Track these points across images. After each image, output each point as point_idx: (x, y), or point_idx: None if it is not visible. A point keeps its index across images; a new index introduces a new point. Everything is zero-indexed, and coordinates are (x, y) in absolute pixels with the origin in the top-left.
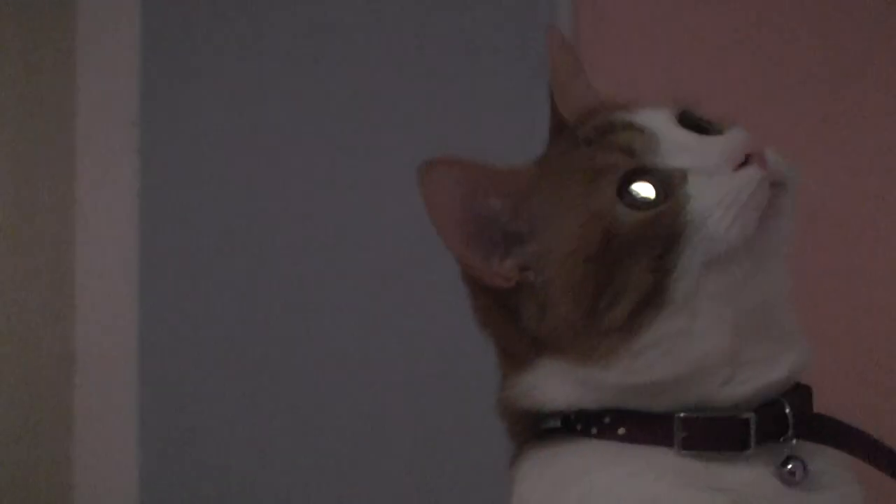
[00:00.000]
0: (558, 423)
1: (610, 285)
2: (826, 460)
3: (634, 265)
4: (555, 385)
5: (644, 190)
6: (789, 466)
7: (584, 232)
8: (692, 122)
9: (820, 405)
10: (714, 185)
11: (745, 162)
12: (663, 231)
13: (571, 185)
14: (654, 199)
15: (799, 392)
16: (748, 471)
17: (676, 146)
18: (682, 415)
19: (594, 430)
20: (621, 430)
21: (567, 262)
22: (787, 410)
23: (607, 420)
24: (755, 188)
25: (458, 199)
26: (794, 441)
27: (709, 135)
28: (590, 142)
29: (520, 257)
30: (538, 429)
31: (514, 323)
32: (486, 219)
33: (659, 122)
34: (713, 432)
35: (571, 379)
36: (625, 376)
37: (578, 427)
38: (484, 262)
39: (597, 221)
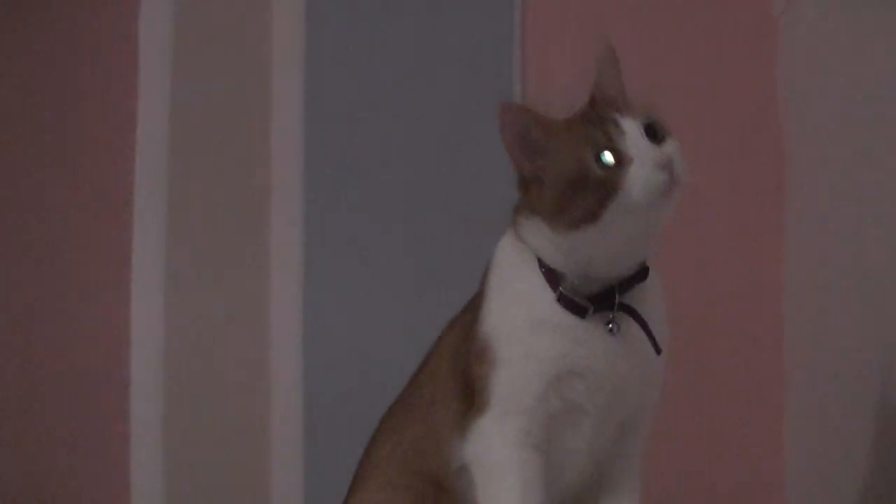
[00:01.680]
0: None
1: (573, 200)
2: (631, 323)
3: (590, 195)
4: (535, 231)
5: (607, 157)
6: (610, 325)
7: (571, 167)
8: (652, 130)
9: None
10: (644, 172)
11: (667, 166)
12: (610, 184)
13: (574, 141)
14: (612, 165)
15: (630, 280)
16: (589, 324)
17: (634, 144)
18: (560, 290)
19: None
20: (543, 270)
21: (558, 178)
22: (617, 297)
23: (544, 262)
24: (662, 184)
25: (516, 127)
26: (615, 312)
27: (658, 141)
28: (594, 121)
29: (538, 165)
30: None
31: (529, 195)
32: (529, 141)
33: (632, 126)
34: (570, 306)
35: (543, 234)
36: (563, 245)
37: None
38: (522, 161)
39: (579, 165)
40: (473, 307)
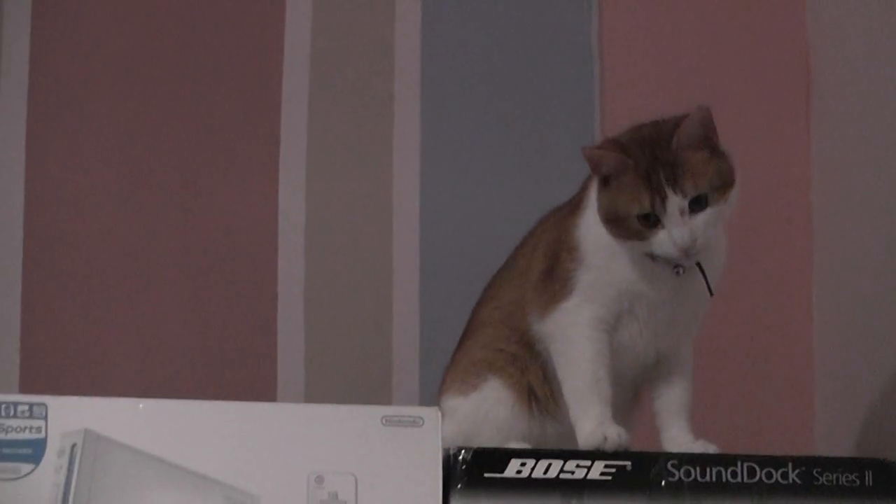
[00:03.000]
0: None
1: (618, 225)
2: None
3: (628, 231)
4: None
5: (643, 220)
6: (677, 269)
7: (620, 206)
8: (696, 200)
9: None
10: (667, 241)
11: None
12: (641, 235)
13: (629, 190)
14: (647, 224)
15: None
16: (659, 264)
17: (670, 219)
18: None
19: None
20: None
21: (611, 205)
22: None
23: None
24: (679, 254)
25: (597, 162)
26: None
27: (699, 208)
28: (649, 179)
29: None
30: None
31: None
32: (603, 172)
33: (675, 205)
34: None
35: None
36: None
37: None
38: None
39: (625, 209)
40: (574, 203)
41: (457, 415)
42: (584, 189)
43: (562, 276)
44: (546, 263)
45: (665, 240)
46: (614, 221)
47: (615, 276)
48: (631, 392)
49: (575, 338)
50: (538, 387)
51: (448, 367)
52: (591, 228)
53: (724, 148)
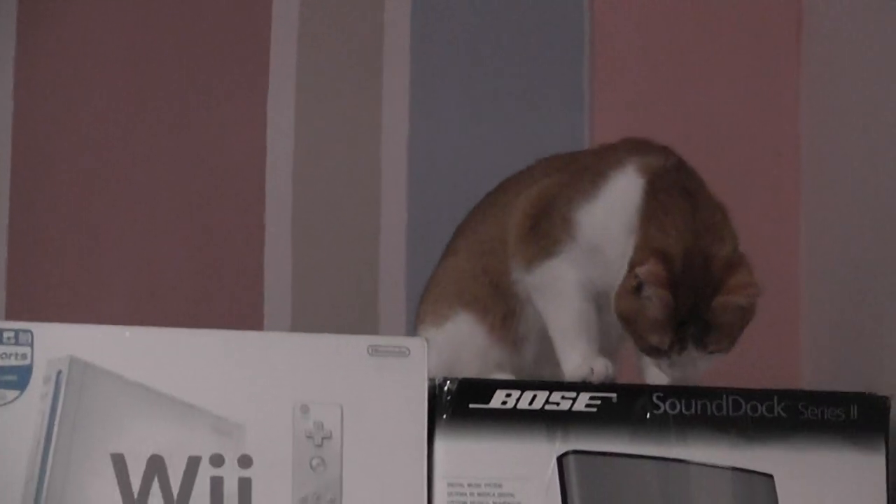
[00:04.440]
0: None
1: (630, 323)
2: None
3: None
4: None
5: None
6: None
7: (644, 326)
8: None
9: None
10: (663, 368)
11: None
12: (644, 349)
13: (656, 318)
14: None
15: None
16: None
17: (678, 361)
18: None
19: None
20: None
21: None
22: None
23: None
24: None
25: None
26: None
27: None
28: (680, 326)
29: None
30: None
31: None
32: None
33: (691, 354)
34: None
35: None
36: None
37: None
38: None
39: (646, 336)
40: (585, 174)
41: (433, 345)
42: (603, 166)
43: (552, 236)
44: (535, 215)
45: (662, 366)
46: (625, 320)
47: (601, 267)
48: (616, 338)
49: (563, 288)
50: (505, 327)
51: (423, 295)
52: (595, 219)
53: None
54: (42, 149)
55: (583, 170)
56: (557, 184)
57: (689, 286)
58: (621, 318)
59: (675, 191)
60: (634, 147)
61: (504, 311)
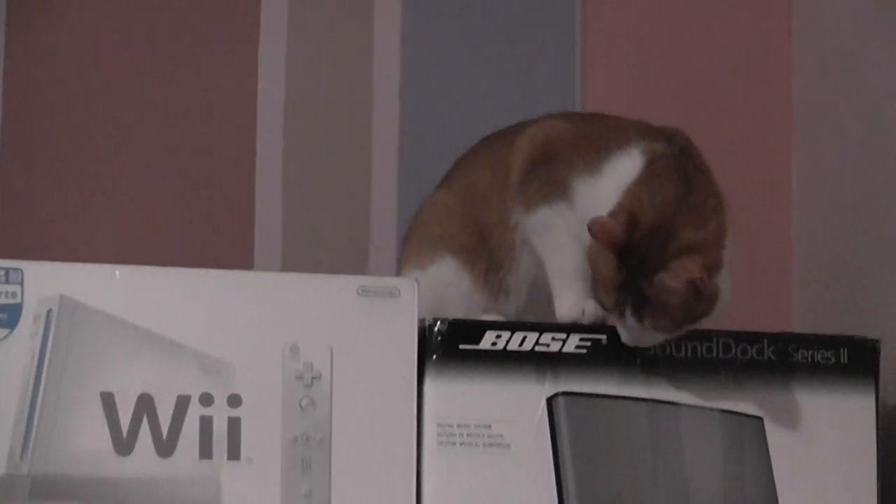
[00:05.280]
0: None
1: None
2: None
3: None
4: None
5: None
6: None
7: (596, 281)
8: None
9: None
10: (620, 329)
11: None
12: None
13: (602, 276)
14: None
15: None
16: None
17: (625, 325)
18: None
19: None
20: None
21: (595, 260)
22: None
23: None
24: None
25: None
26: None
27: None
28: (621, 287)
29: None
30: None
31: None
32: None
33: (630, 322)
34: None
35: None
36: None
37: None
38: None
39: (598, 292)
40: (591, 133)
41: (418, 287)
42: (610, 142)
43: (551, 188)
44: (536, 161)
45: (618, 327)
46: (591, 269)
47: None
48: None
49: (561, 232)
50: (489, 279)
51: (407, 234)
52: (593, 194)
53: (713, 283)
54: (33, 88)
55: (590, 138)
56: (562, 138)
57: (641, 255)
58: (589, 266)
59: (672, 172)
60: (645, 132)
61: (488, 264)
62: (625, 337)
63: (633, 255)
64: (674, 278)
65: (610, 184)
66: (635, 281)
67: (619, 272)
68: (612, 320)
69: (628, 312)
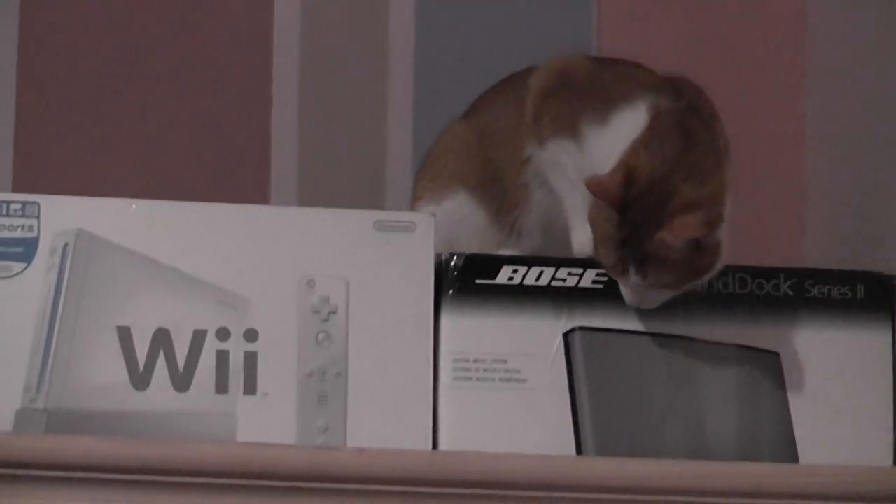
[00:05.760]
0: None
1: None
2: None
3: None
4: None
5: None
6: None
7: (597, 240)
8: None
9: None
10: (622, 289)
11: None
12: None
13: (602, 232)
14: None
15: None
16: None
17: (626, 283)
18: None
19: None
20: None
21: (595, 220)
22: None
23: None
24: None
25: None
26: None
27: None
28: (622, 243)
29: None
30: None
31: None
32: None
33: (633, 279)
34: None
35: None
36: None
37: None
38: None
39: (599, 252)
40: (604, 78)
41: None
42: (619, 93)
43: (563, 124)
44: (550, 94)
45: (622, 288)
46: (591, 228)
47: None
48: None
49: (571, 167)
50: (502, 218)
51: (421, 168)
52: (601, 143)
53: (714, 238)
54: (49, 22)
55: (601, 84)
56: (577, 74)
57: (640, 211)
58: (590, 225)
59: (674, 127)
60: (653, 85)
61: (501, 203)
62: (628, 297)
63: (633, 212)
64: (675, 235)
65: (616, 136)
66: (637, 238)
67: (619, 229)
68: (615, 280)
69: (631, 270)
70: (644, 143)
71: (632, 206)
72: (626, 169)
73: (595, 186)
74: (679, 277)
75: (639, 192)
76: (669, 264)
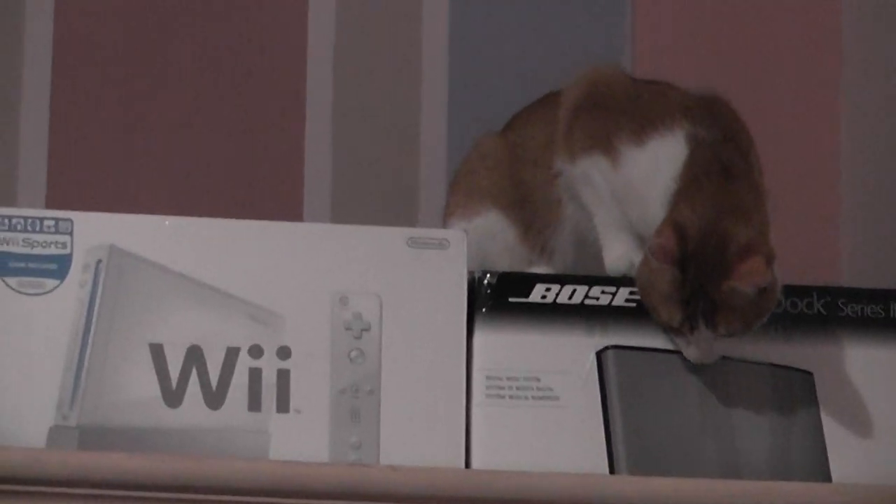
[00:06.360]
0: None
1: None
2: None
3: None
4: None
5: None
6: None
7: (656, 300)
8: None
9: None
10: (685, 349)
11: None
12: (667, 328)
13: (664, 292)
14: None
15: None
16: None
17: (693, 340)
18: None
19: None
20: None
21: (650, 284)
22: None
23: None
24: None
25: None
26: None
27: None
28: (687, 302)
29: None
30: None
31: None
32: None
33: (702, 334)
34: None
35: None
36: None
37: None
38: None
39: (659, 310)
40: (640, 99)
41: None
42: (656, 115)
43: (597, 139)
44: (582, 108)
45: (681, 346)
46: (641, 291)
47: (638, 208)
48: None
49: (604, 186)
50: (531, 238)
51: (453, 182)
52: (639, 166)
53: (774, 277)
54: (83, 37)
55: (638, 102)
56: (612, 87)
57: (700, 264)
58: (638, 288)
59: (713, 166)
60: (688, 108)
61: (532, 222)
62: (693, 354)
63: (694, 267)
64: (745, 283)
65: (653, 164)
66: (702, 292)
67: (683, 287)
68: (673, 343)
69: (701, 324)
70: (684, 191)
71: (690, 261)
72: (676, 226)
73: (659, 253)
74: (747, 322)
75: (695, 247)
76: (738, 311)
